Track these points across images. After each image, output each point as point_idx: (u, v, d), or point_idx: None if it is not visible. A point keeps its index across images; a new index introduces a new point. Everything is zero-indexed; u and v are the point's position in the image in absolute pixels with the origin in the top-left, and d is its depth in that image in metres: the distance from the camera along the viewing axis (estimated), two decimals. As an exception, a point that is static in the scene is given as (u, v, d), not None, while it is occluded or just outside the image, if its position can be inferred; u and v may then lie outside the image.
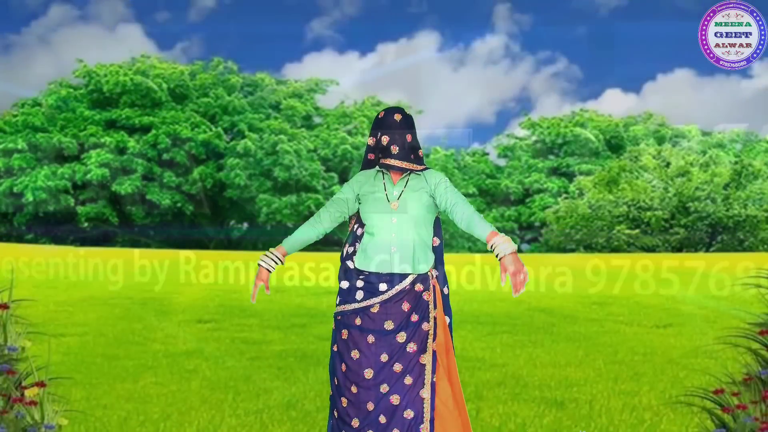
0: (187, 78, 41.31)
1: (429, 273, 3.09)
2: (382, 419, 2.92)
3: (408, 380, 2.93)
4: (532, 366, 6.30)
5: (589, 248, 38.20)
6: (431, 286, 3.07)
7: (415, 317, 3.00)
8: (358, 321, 3.04)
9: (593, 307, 10.64)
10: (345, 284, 3.12)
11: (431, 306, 3.04)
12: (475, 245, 40.17)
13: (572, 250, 38.17)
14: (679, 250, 36.83)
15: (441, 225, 3.24)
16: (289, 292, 12.57)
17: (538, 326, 8.72)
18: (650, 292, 12.86)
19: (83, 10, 57.52)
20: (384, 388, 2.94)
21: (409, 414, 2.90)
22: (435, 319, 3.03)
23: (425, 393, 2.91)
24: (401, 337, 2.97)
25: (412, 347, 2.96)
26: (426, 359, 2.95)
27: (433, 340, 3.00)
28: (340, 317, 3.09)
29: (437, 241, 3.20)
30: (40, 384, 3.22)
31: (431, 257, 3.10)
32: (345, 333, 3.06)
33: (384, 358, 2.95)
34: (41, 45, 54.98)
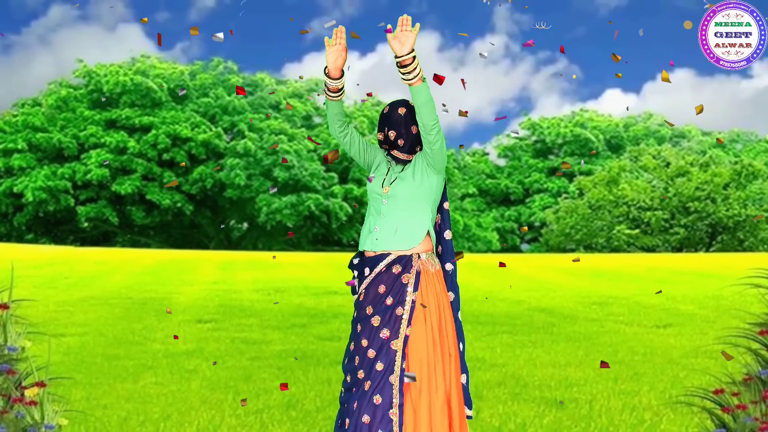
0: (187, 78, 41.31)
1: (413, 255, 3.02)
2: (355, 405, 2.92)
3: (379, 366, 2.91)
4: (532, 366, 6.30)
5: (589, 248, 38.21)
6: (413, 269, 3.01)
7: (389, 300, 2.97)
8: (355, 314, 3.09)
9: (593, 307, 10.64)
10: (352, 279, 3.17)
11: (409, 289, 2.99)
12: (475, 245, 40.20)
13: (572, 250, 38.17)
14: (679, 250, 36.84)
15: (450, 218, 3.22)
16: (289, 292, 12.57)
17: (538, 326, 8.72)
18: (650, 292, 12.86)
19: (83, 10, 57.61)
20: (360, 374, 2.95)
21: (378, 399, 2.89)
22: (413, 302, 2.97)
23: (394, 379, 2.90)
24: (376, 320, 2.97)
25: (385, 333, 2.94)
26: (397, 345, 2.92)
27: (408, 325, 2.95)
28: None
29: (449, 235, 3.18)
30: (40, 384, 3.22)
31: (418, 238, 3.02)
32: (351, 330, 3.12)
33: (364, 343, 2.97)
34: (41, 45, 55.04)
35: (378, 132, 3.19)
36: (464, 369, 3.11)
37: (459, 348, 3.09)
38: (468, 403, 3.13)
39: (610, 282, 15.30)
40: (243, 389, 5.36)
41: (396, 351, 2.92)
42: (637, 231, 37.08)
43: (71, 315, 9.32)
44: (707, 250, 36.83)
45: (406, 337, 2.93)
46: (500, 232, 42.67)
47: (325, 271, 17.47)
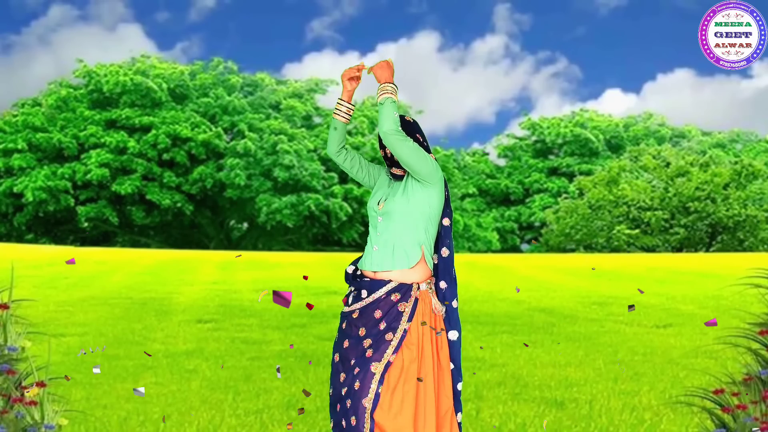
0: (187, 78, 41.31)
1: (413, 284, 3.01)
2: (343, 423, 2.92)
3: (357, 385, 2.90)
4: (532, 366, 6.30)
5: (589, 248, 38.21)
6: (412, 298, 2.99)
7: (382, 325, 2.96)
8: (344, 325, 3.08)
9: (593, 307, 10.64)
10: (348, 289, 3.16)
11: (404, 318, 2.96)
12: (475, 245, 40.19)
13: (572, 250, 38.16)
14: (679, 250, 36.83)
15: (451, 235, 3.18)
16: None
17: (538, 326, 8.72)
18: (650, 292, 12.86)
19: (83, 10, 57.66)
20: (344, 390, 2.95)
21: (353, 420, 2.88)
22: (406, 331, 2.94)
23: (367, 403, 2.87)
24: (366, 343, 2.96)
25: (369, 353, 2.93)
26: (377, 368, 2.89)
27: (394, 352, 2.92)
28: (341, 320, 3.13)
29: (446, 252, 3.13)
30: (40, 384, 3.22)
31: (414, 257, 3.01)
32: (337, 335, 3.10)
33: (352, 362, 2.97)
34: (41, 45, 55.08)
35: (380, 149, 3.19)
36: (458, 378, 3.10)
37: (450, 366, 3.07)
38: (458, 407, 3.12)
39: (610, 282, 15.29)
40: (243, 389, 5.36)
41: (375, 374, 2.89)
42: (637, 231, 37.06)
43: (71, 315, 9.32)
44: (707, 250, 36.82)
45: (389, 363, 2.91)
46: (500, 232, 42.68)
47: (325, 271, 17.46)
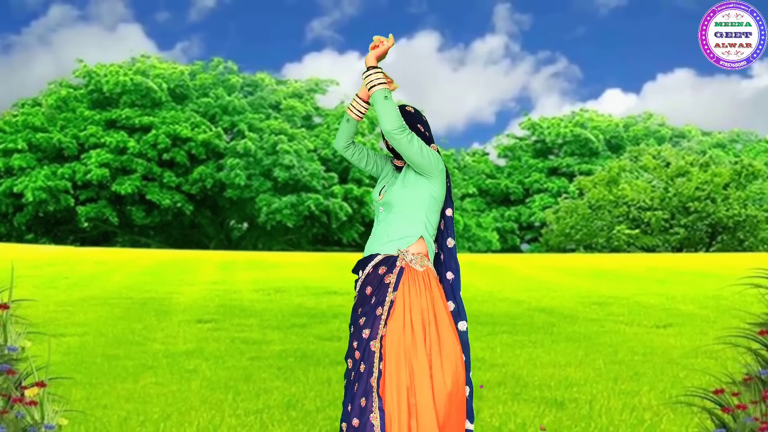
0: (187, 78, 41.30)
1: (399, 255, 2.98)
2: (350, 407, 2.93)
3: (362, 367, 2.91)
4: (532, 366, 6.30)
5: (589, 248, 38.20)
6: (397, 268, 2.97)
7: (373, 300, 2.96)
8: (353, 312, 3.09)
9: (593, 307, 10.64)
10: None
11: (390, 289, 2.95)
12: (475, 245, 40.19)
13: (572, 250, 38.15)
14: (679, 250, 36.82)
15: (453, 225, 3.18)
16: (289, 292, 12.57)
17: (538, 326, 8.72)
18: (650, 292, 12.86)
19: (83, 10, 57.68)
20: (352, 375, 2.97)
21: (362, 402, 2.88)
22: (392, 302, 2.93)
23: (373, 381, 2.87)
24: (362, 321, 2.97)
25: (366, 332, 2.93)
26: (375, 346, 2.90)
27: (385, 325, 2.90)
28: None
29: (452, 243, 3.12)
30: (40, 384, 3.22)
31: (407, 243, 3.00)
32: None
33: (354, 345, 2.98)
34: (41, 45, 55.08)
35: (383, 140, 3.20)
36: (467, 382, 3.04)
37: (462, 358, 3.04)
38: (470, 416, 3.09)
39: (610, 282, 15.29)
40: (243, 389, 5.36)
41: (374, 352, 2.89)
42: (637, 231, 37.05)
43: (71, 315, 9.32)
44: (707, 250, 36.81)
45: (382, 337, 2.91)
46: (500, 232, 42.68)
47: (325, 271, 17.48)
